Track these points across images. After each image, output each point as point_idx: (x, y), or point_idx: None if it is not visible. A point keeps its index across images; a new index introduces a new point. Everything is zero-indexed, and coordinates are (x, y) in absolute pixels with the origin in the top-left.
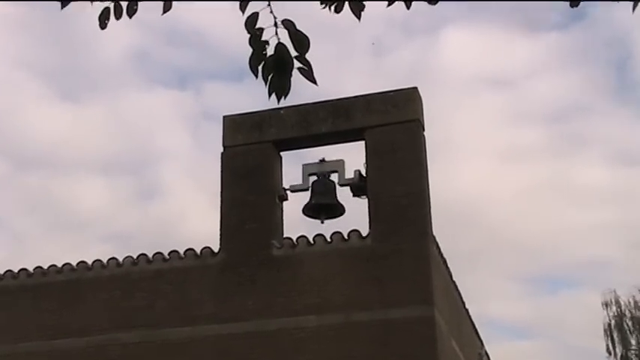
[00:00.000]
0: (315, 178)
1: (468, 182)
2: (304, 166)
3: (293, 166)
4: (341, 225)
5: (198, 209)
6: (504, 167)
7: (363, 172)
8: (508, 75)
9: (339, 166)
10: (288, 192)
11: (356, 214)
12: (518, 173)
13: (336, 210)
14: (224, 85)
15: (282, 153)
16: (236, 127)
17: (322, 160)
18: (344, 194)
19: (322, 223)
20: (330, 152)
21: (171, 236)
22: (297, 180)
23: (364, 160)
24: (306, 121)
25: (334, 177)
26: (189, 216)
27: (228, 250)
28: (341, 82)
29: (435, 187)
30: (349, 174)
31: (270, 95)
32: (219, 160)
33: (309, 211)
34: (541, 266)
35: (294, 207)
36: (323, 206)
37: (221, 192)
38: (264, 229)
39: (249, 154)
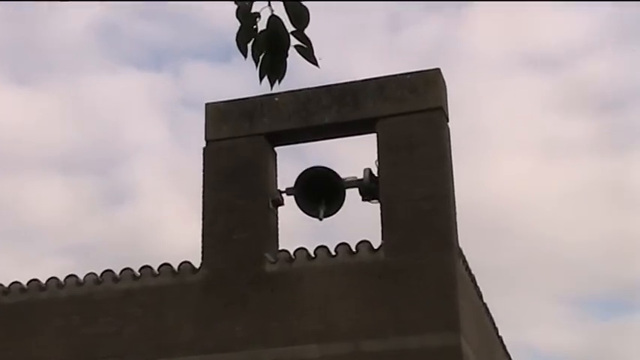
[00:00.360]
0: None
1: (502, 183)
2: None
3: (290, 163)
4: (348, 235)
5: (176, 216)
6: (546, 165)
7: (375, 172)
8: (552, 53)
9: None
10: (283, 195)
11: (366, 222)
12: (563, 172)
13: (337, 193)
14: (207, 66)
15: (276, 148)
16: (221, 116)
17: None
18: (351, 198)
19: (321, 219)
20: (334, 147)
21: (144, 249)
22: (291, 181)
23: (376, 157)
24: (305, 109)
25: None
26: (166, 224)
27: (212, 265)
28: (348, 62)
29: (462, 189)
30: (358, 173)
31: (261, 79)
32: (201, 156)
33: (302, 197)
34: (592, 285)
35: (291, 213)
36: (320, 184)
37: (203, 195)
38: (255, 240)
39: (237, 150)
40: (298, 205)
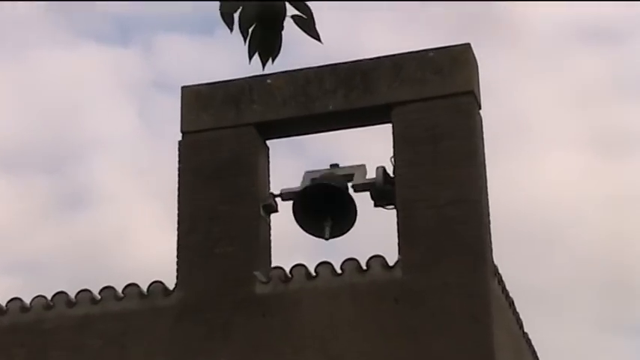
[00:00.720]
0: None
1: (547, 185)
2: (307, 173)
3: (286, 160)
4: (357, 248)
5: (146, 225)
6: (602, 163)
7: (390, 171)
8: (614, 27)
9: (359, 172)
10: (277, 200)
11: (379, 233)
12: (622, 173)
13: (347, 211)
14: (185, 40)
15: (269, 142)
16: (201, 103)
17: (334, 166)
18: (361, 203)
19: (327, 239)
20: (339, 140)
21: (106, 265)
22: (293, 181)
23: (391, 153)
24: (305, 94)
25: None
26: (133, 235)
27: (189, 286)
28: (357, 37)
29: (497, 192)
30: (369, 173)
31: (251, 57)
32: (177, 151)
33: (302, 212)
34: None
35: (286, 221)
36: (323, 198)
37: (179, 199)
38: (242, 255)
39: (221, 144)
40: (297, 220)
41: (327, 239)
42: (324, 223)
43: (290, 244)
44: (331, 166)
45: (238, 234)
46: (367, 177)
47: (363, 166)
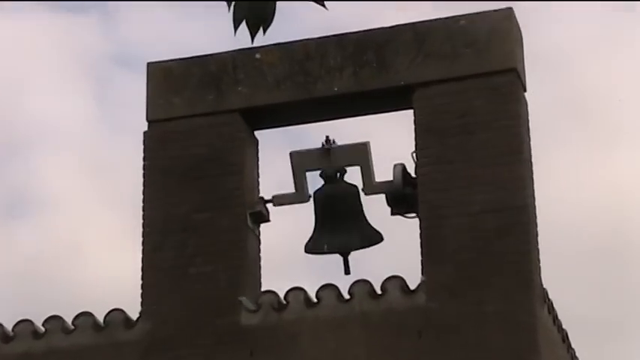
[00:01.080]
0: (319, 181)
1: (612, 188)
2: (294, 155)
3: (279, 154)
4: (369, 267)
5: (102, 239)
6: None
7: (411, 170)
8: None
9: (360, 155)
10: (269, 205)
11: (397, 248)
12: None
13: (358, 215)
14: (153, 5)
15: (258, 133)
16: (172, 83)
17: (328, 143)
18: (374, 210)
19: (348, 273)
20: (347, 131)
21: (52, 289)
22: (286, 182)
23: (412, 147)
24: (303, 73)
25: (353, 178)
26: (87, 251)
27: (158, 315)
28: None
29: (546, 196)
30: (384, 172)
31: (237, 27)
32: (142, 145)
33: (317, 247)
34: None
35: (280, 233)
36: (341, 233)
37: (144, 206)
38: (224, 276)
39: (197, 135)
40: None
41: (347, 272)
42: (335, 236)
43: (285, 261)
44: (325, 144)
45: (219, 249)
46: (381, 178)
47: (367, 144)
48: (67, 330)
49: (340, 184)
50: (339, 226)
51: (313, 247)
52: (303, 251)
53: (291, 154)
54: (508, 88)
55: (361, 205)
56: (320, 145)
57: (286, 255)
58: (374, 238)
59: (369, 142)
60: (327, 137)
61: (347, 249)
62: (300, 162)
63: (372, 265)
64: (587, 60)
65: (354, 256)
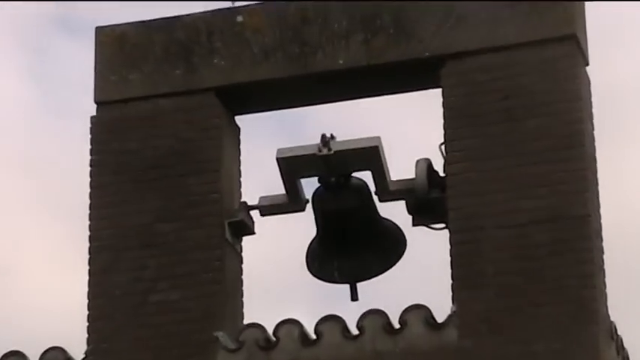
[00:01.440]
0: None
1: None
2: (282, 161)
3: (269, 146)
4: (383, 292)
5: (37, 258)
6: None
7: (439, 168)
8: None
9: (370, 156)
10: (254, 213)
11: (419, 269)
12: None
13: (392, 247)
14: None
15: (240, 118)
16: (129, 54)
17: (326, 145)
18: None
19: (356, 300)
20: (355, 116)
21: None
22: (277, 183)
23: (440, 138)
24: (299, 41)
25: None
26: (17, 275)
27: (109, 355)
28: None
29: (614, 205)
30: (405, 170)
31: None
32: (88, 134)
33: (326, 273)
34: None
35: (269, 248)
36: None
37: (91, 214)
38: (196, 305)
39: (161, 122)
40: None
41: (354, 298)
42: (346, 259)
43: (275, 285)
44: (324, 137)
45: (189, 271)
46: (398, 177)
47: (377, 144)
48: None
49: (346, 188)
50: (351, 245)
51: (320, 270)
52: (307, 269)
53: (278, 160)
54: (565, 62)
55: (374, 206)
56: (318, 142)
57: (276, 277)
58: (396, 250)
59: (379, 139)
60: (324, 136)
61: (363, 276)
62: (292, 169)
63: (387, 290)
64: None
65: (368, 281)
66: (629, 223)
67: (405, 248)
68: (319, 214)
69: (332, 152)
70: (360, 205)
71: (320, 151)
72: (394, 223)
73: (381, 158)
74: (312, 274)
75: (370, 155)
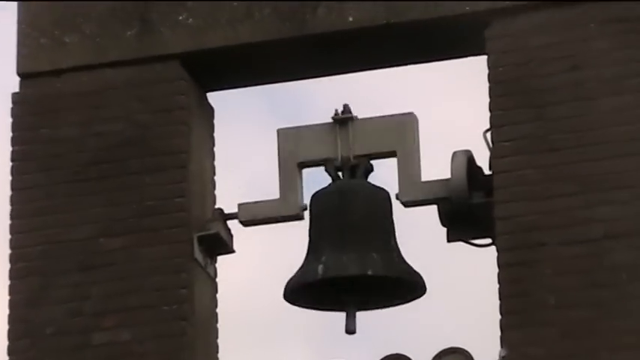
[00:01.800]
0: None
1: None
2: (281, 135)
3: (251, 130)
4: (407, 330)
5: None
6: None
7: (482, 164)
8: None
9: (399, 135)
10: (232, 223)
11: (453, 298)
12: None
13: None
14: None
15: (213, 95)
16: (62, 10)
17: (345, 113)
18: (416, 233)
19: (351, 332)
20: (368, 94)
21: None
22: (265, 183)
23: (486, 123)
24: None
25: (385, 182)
26: None
27: None
28: None
29: None
30: (436, 168)
31: None
32: (9, 116)
33: (305, 263)
34: None
35: (253, 270)
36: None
37: (12, 225)
38: (154, 347)
39: (107, 102)
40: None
41: (350, 331)
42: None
43: (260, 320)
44: (339, 113)
45: (145, 302)
46: (429, 177)
47: (411, 117)
48: None
49: (357, 186)
50: (350, 240)
51: (302, 275)
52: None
53: (278, 132)
54: None
55: (392, 224)
56: (329, 120)
57: (262, 309)
58: (411, 287)
59: (414, 114)
60: (346, 106)
61: (356, 272)
62: (292, 149)
63: (408, 325)
64: None
65: (388, 314)
66: None
67: (419, 294)
68: (316, 221)
69: (352, 120)
70: (374, 207)
71: (335, 120)
72: (412, 269)
73: (414, 139)
74: (287, 290)
75: (401, 130)
